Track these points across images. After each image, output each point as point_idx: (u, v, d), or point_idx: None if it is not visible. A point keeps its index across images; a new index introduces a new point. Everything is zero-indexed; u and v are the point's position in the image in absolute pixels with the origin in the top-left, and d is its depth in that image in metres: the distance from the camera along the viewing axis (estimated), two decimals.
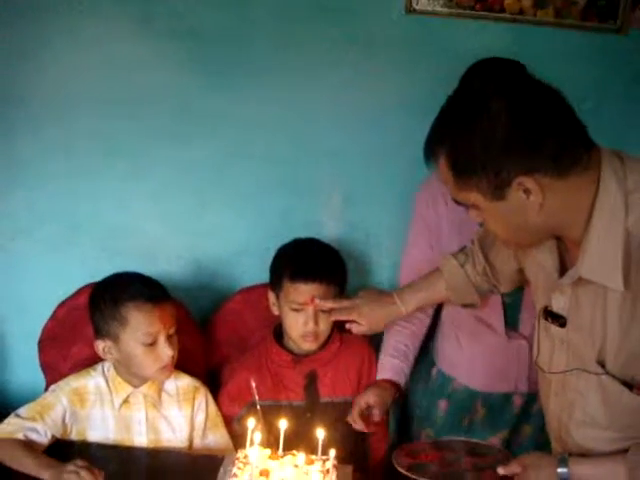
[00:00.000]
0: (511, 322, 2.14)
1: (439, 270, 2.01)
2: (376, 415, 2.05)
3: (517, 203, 1.36)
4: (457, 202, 1.47)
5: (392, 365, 2.16)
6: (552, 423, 1.63)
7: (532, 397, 2.17)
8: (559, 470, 1.49)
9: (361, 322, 2.05)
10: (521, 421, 2.21)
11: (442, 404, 2.25)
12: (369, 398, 2.06)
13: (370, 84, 2.46)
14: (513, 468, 1.58)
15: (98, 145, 2.48)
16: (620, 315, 1.39)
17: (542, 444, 2.15)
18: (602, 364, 1.44)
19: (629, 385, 1.41)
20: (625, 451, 1.45)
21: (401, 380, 2.16)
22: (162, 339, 1.99)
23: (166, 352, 1.99)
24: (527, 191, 1.34)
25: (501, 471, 1.60)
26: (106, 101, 2.45)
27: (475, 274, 1.94)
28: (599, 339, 1.43)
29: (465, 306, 2.04)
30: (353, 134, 2.51)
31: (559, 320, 1.52)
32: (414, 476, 1.67)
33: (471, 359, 2.20)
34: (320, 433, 1.78)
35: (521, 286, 2.00)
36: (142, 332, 1.97)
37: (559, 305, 1.51)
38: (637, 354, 1.38)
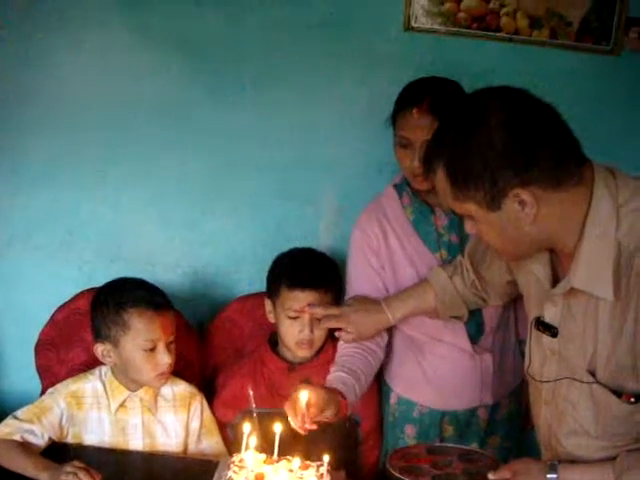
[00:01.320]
0: (473, 337, 2.13)
1: (427, 281, 2.03)
2: (311, 414, 1.78)
3: (512, 214, 1.40)
4: (454, 212, 1.51)
5: (342, 379, 1.98)
6: (542, 431, 1.66)
7: (495, 408, 2.21)
8: (549, 476, 1.51)
9: (349, 330, 2.07)
10: (488, 432, 2.22)
11: (409, 429, 2.22)
12: (311, 396, 1.80)
13: (368, 99, 2.50)
14: (503, 474, 1.60)
15: (97, 152, 2.52)
16: (610, 325, 1.42)
17: (509, 450, 2.23)
18: (592, 373, 1.47)
19: (618, 393, 1.44)
20: (614, 459, 1.47)
21: (350, 395, 1.95)
22: (162, 346, 2.01)
23: (165, 359, 2.01)
24: (522, 203, 1.38)
25: (491, 477, 1.61)
26: (106, 109, 2.49)
27: (463, 286, 1.97)
28: (590, 349, 1.47)
29: (452, 317, 2.04)
30: (349, 147, 2.55)
31: (551, 330, 1.55)
32: (406, 479, 1.69)
33: (435, 381, 2.18)
34: (304, 395, 1.78)
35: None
36: (143, 338, 1.99)
37: (551, 315, 1.55)
38: (626, 363, 1.42)
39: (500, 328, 2.16)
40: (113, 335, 2.01)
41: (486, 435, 2.22)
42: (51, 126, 2.49)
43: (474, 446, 2.16)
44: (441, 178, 1.45)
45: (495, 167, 1.36)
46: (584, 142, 1.43)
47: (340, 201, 2.59)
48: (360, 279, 2.18)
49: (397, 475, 1.71)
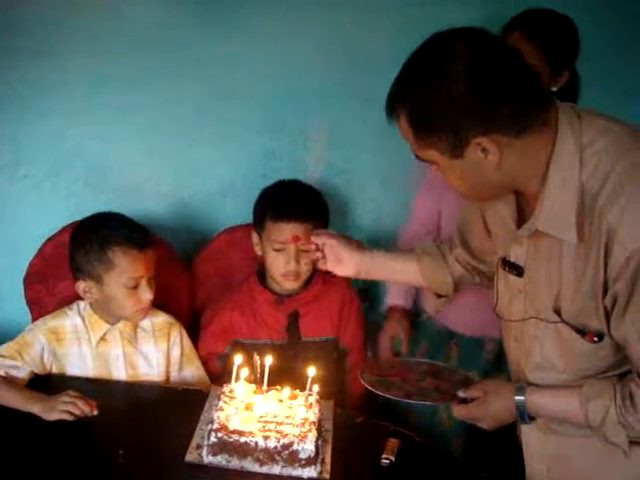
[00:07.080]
0: None
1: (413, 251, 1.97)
2: (405, 346, 2.26)
3: (475, 161, 1.39)
4: (417, 157, 1.49)
5: (398, 290, 2.31)
6: (513, 366, 1.69)
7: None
8: (516, 398, 1.56)
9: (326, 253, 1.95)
10: (494, 368, 2.27)
11: (423, 346, 2.30)
12: (399, 330, 2.27)
13: (359, 27, 2.45)
14: (473, 392, 1.65)
15: (84, 82, 2.45)
16: (574, 266, 1.43)
17: None
18: (558, 312, 1.49)
19: (582, 332, 1.46)
20: (579, 386, 1.50)
21: (409, 304, 2.32)
22: (144, 283, 2.02)
23: (146, 295, 2.03)
24: (485, 150, 1.36)
25: (461, 394, 1.66)
26: (93, 38, 2.42)
27: (451, 255, 1.91)
28: (555, 289, 1.48)
29: (439, 296, 2.00)
30: (340, 76, 2.50)
31: (517, 270, 1.57)
32: (379, 392, 1.72)
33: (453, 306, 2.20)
34: (311, 371, 1.82)
35: None
36: (127, 276, 2.00)
37: (517, 255, 1.56)
38: (589, 304, 1.43)
39: None
40: (96, 272, 2.00)
41: (493, 370, 2.27)
42: (38, 55, 2.41)
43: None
44: (404, 124, 1.42)
45: (457, 117, 1.34)
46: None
47: (329, 133, 2.57)
48: (418, 212, 2.34)
49: (369, 388, 1.74)
